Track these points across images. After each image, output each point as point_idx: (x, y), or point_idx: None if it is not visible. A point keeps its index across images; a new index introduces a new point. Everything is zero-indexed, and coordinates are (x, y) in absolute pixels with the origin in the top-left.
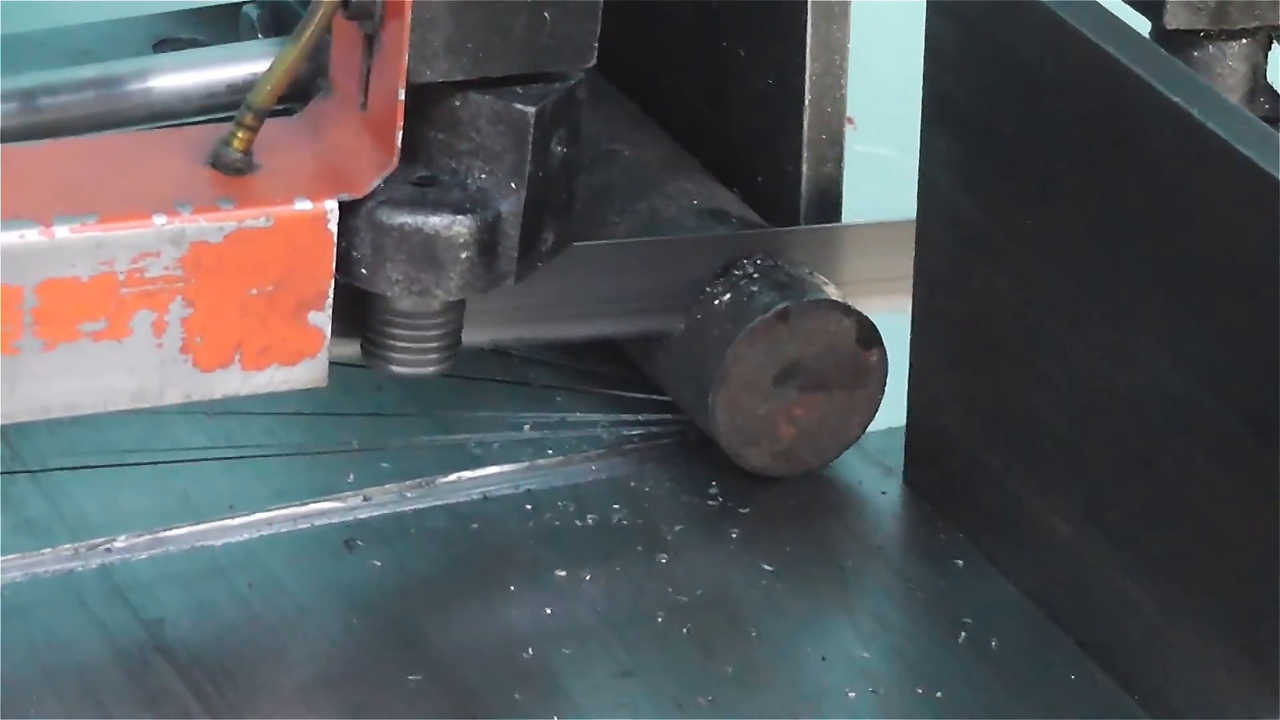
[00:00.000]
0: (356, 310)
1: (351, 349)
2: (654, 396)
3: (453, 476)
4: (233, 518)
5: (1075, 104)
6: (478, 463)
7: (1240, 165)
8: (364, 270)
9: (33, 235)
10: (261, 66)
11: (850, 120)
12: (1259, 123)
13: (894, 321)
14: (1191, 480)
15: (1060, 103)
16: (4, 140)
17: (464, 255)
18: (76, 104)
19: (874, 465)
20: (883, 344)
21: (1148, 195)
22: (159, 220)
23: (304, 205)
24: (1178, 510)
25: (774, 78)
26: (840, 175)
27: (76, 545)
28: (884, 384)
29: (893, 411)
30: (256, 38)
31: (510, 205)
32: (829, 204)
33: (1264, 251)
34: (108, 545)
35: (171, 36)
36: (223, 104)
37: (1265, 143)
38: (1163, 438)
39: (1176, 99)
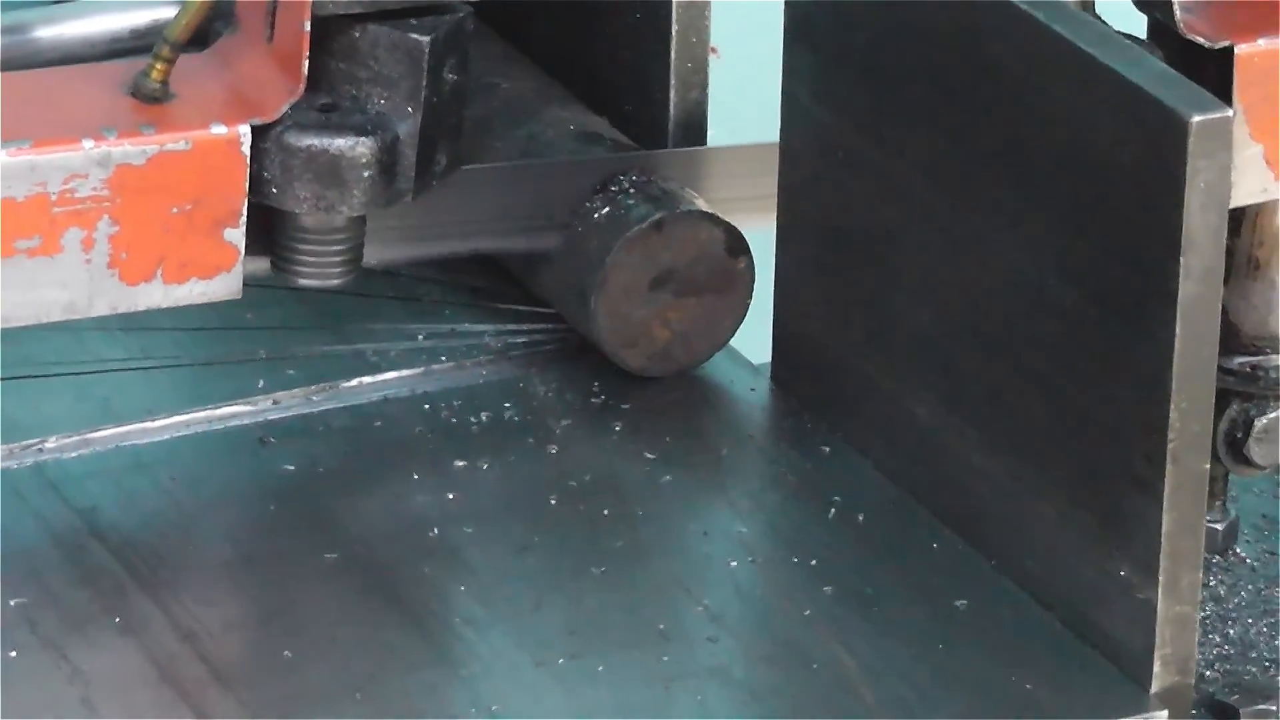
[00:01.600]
0: (266, 228)
1: (262, 265)
2: (537, 309)
3: (354, 381)
4: (152, 420)
5: (923, 14)
6: (376, 369)
7: (1084, 63)
8: (274, 189)
9: None
10: (162, 13)
11: (714, 50)
12: (1100, 24)
13: (759, 238)
14: (1045, 361)
15: (909, 14)
16: None
17: (366, 174)
18: None
19: (743, 366)
20: (749, 252)
21: (991, 93)
22: (87, 144)
23: (219, 130)
24: (1028, 388)
25: (641, 12)
26: (705, 102)
27: (10, 446)
28: (751, 289)
29: (759, 320)
30: None
31: (407, 128)
32: (695, 129)
33: (1112, 142)
34: (39, 445)
35: None
36: (127, 49)
37: (1106, 40)
38: (1014, 321)
39: (1021, 5)
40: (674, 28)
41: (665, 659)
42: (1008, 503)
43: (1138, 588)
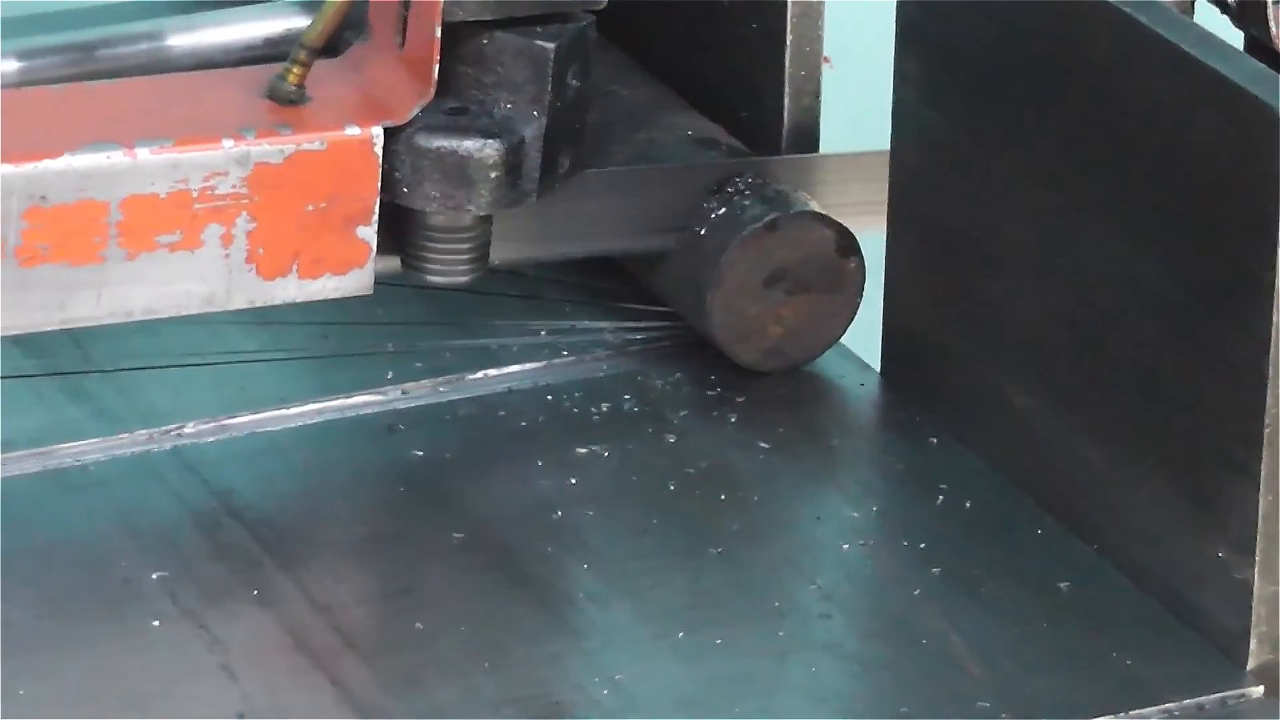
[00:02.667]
0: (396, 228)
1: (392, 263)
2: (654, 307)
3: (479, 373)
4: (286, 408)
5: (1025, 16)
6: (500, 362)
7: (1182, 61)
8: (405, 189)
9: (117, 156)
10: (295, 22)
11: (827, 59)
12: (1198, 25)
13: (869, 242)
14: (1145, 354)
15: (1011, 17)
16: None
17: (493, 175)
18: (130, 55)
19: (853, 362)
20: (860, 253)
21: (1091, 92)
22: (227, 143)
23: (353, 131)
24: (1127, 378)
25: (756, 22)
26: (818, 109)
27: (150, 431)
28: (861, 289)
29: (869, 320)
30: None
31: (532, 131)
32: (807, 135)
33: (1211, 141)
34: (178, 430)
35: None
36: (260, 57)
37: (1206, 41)
38: (1113, 313)
39: (1125, 8)
40: (789, 36)
41: (780, 634)
42: (1108, 489)
43: (1234, 568)
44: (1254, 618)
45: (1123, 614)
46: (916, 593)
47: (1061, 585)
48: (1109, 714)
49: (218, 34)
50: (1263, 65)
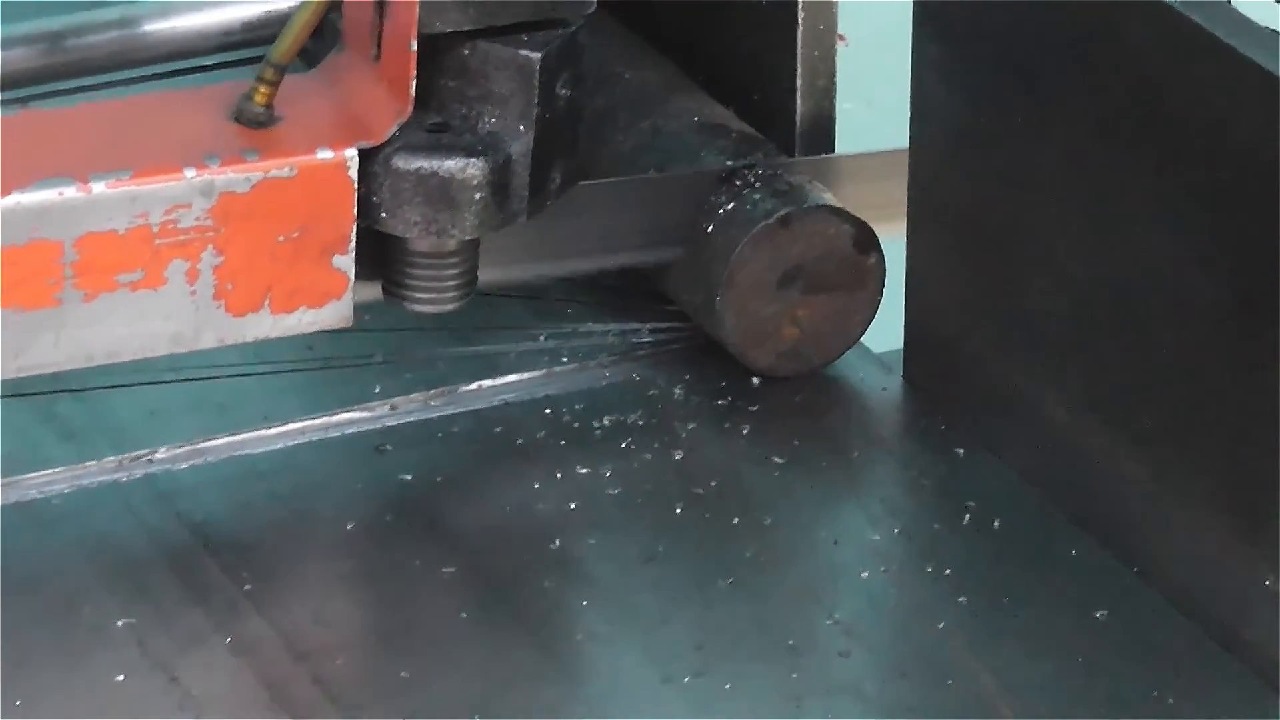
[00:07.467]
0: (377, 252)
1: (373, 290)
2: (662, 306)
3: (474, 385)
4: (268, 428)
5: (1057, 2)
6: (497, 371)
7: (1223, 53)
8: (384, 214)
9: (71, 192)
10: (275, 5)
11: (842, 37)
12: (1237, 12)
13: (889, 242)
14: (1184, 358)
15: (1045, 2)
16: (36, 80)
17: (478, 196)
18: (101, 44)
19: (874, 364)
20: (880, 248)
21: (1133, 86)
22: (189, 173)
23: (325, 154)
24: (1171, 387)
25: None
26: (833, 90)
27: (120, 457)
28: (882, 286)
29: (890, 319)
30: None
31: (520, 147)
32: (822, 119)
33: (1250, 135)
34: (150, 456)
35: None
36: (239, 41)
37: (1245, 29)
38: (1156, 318)
39: None
40: (800, 14)
41: (795, 675)
42: (1150, 506)
43: None
44: None
45: (1164, 644)
46: (942, 625)
47: (1099, 614)
48: None
49: (193, 20)
50: None
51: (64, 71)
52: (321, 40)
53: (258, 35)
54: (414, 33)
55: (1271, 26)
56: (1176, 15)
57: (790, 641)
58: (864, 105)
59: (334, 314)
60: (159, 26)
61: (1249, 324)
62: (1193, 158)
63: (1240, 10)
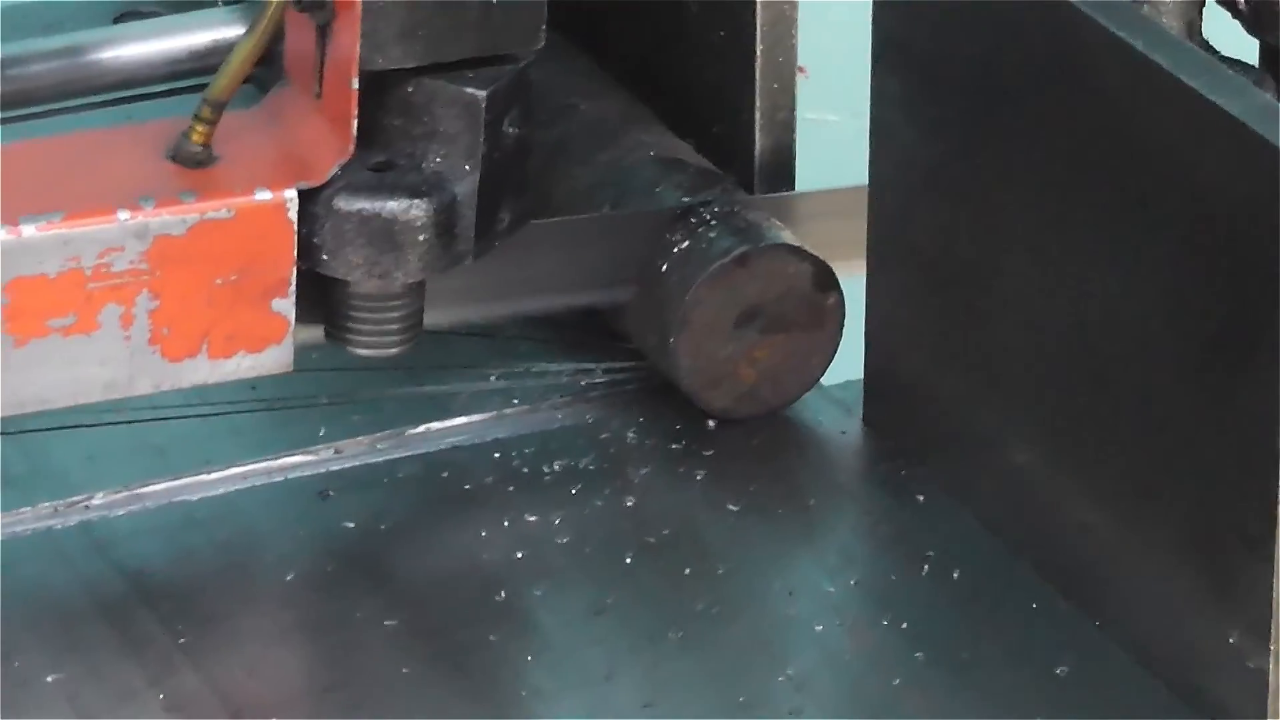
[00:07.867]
0: (319, 294)
1: (315, 333)
2: (617, 344)
3: (422, 427)
4: (208, 472)
5: (1023, 40)
6: (446, 413)
7: (1188, 96)
8: (325, 256)
9: (0, 235)
10: (223, 33)
11: (802, 69)
12: (1202, 54)
13: (850, 281)
14: (1151, 406)
15: (1008, 38)
16: None
17: (422, 237)
18: (45, 74)
19: (833, 405)
20: (839, 288)
21: (1098, 128)
22: (123, 215)
23: (264, 195)
24: (1137, 436)
25: (726, 29)
26: (793, 123)
27: (55, 503)
28: (841, 326)
29: (849, 360)
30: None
31: (466, 186)
32: (782, 153)
33: (1216, 178)
34: (86, 502)
35: (133, 9)
36: (186, 70)
37: (1209, 71)
38: (1122, 365)
39: (1121, 34)
40: (759, 46)
41: None
42: (1113, 558)
43: (1249, 655)
44: (1270, 710)
45: (1128, 703)
46: (897, 682)
47: (1059, 670)
48: None
49: (139, 48)
50: (1273, 100)
51: (5, 103)
52: (271, 69)
53: (205, 64)
54: (355, 70)
55: (1243, 59)
56: (1141, 56)
57: (741, 698)
58: (823, 141)
59: (274, 359)
60: (104, 55)
61: (1208, 374)
62: (1160, 201)
63: (1208, 49)
